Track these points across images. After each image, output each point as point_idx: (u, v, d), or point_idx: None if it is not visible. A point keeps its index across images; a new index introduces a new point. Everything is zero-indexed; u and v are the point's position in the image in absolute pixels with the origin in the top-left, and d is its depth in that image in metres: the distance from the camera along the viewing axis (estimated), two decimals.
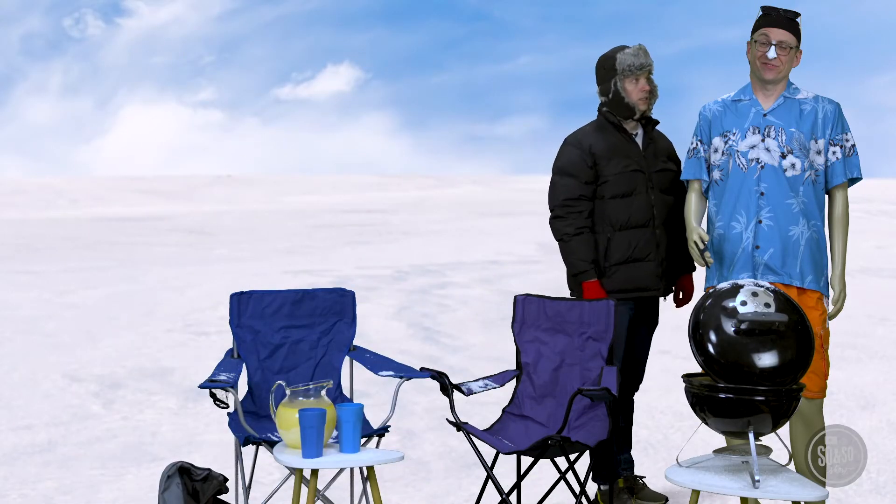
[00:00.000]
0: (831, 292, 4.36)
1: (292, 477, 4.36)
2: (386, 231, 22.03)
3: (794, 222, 4.26)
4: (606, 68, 4.74)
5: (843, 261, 4.33)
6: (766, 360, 3.51)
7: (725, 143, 4.35)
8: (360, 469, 4.38)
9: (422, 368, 4.37)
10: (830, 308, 4.36)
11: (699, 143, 4.46)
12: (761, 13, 4.33)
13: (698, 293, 4.67)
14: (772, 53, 4.25)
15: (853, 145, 4.37)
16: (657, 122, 4.87)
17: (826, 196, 4.40)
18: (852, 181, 4.39)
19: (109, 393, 7.37)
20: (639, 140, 4.81)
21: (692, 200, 4.49)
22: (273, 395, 3.94)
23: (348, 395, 4.67)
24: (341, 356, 4.64)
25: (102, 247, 18.57)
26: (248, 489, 4.23)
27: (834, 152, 4.32)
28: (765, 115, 4.33)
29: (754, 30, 4.34)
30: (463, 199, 32.88)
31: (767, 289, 3.61)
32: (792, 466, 3.75)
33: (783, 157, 4.26)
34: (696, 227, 4.40)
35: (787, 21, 4.28)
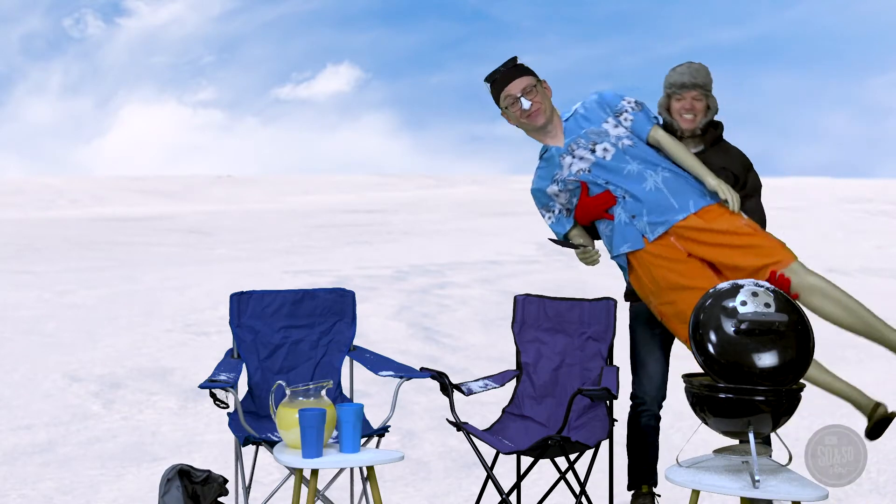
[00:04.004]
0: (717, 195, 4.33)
1: (292, 477, 4.36)
2: (386, 231, 22.04)
3: (641, 179, 4.26)
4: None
5: (701, 167, 4.32)
6: (766, 360, 3.51)
7: (559, 184, 4.37)
8: (360, 469, 4.38)
9: (422, 368, 4.37)
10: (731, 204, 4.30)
11: (548, 212, 4.47)
12: (490, 85, 4.37)
13: None
14: (526, 104, 4.29)
15: (636, 101, 4.41)
16: (719, 140, 4.64)
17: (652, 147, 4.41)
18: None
19: (109, 393, 7.37)
20: None
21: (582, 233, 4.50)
22: (273, 395, 3.94)
23: (348, 395, 4.67)
24: (341, 356, 4.64)
25: (102, 247, 18.57)
26: (248, 489, 4.23)
27: (625, 118, 4.38)
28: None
29: (498, 101, 4.36)
30: (463, 199, 32.89)
31: (767, 289, 3.62)
32: (792, 466, 3.75)
33: (593, 151, 4.29)
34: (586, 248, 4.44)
35: (514, 70, 4.33)
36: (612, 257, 4.35)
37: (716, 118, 4.63)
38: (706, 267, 4.20)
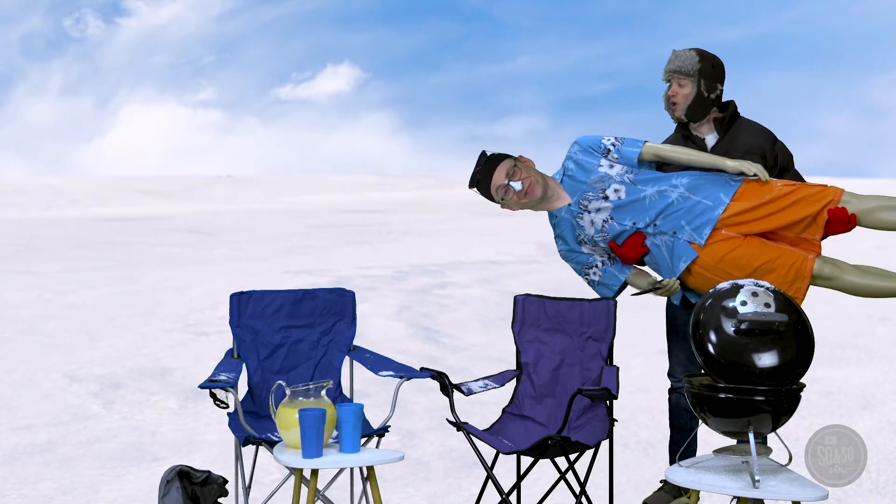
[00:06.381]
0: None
1: (292, 477, 4.36)
2: (386, 231, 22.05)
3: (664, 197, 4.22)
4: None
5: (713, 157, 4.28)
6: (766, 360, 3.52)
7: (589, 243, 4.35)
8: (360, 469, 4.38)
9: (422, 368, 4.37)
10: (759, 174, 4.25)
11: (590, 268, 4.44)
12: (476, 189, 4.34)
13: None
14: (517, 186, 4.26)
15: (615, 137, 4.36)
16: (735, 119, 4.59)
17: (649, 167, 4.40)
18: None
19: (109, 393, 7.37)
20: (709, 144, 4.58)
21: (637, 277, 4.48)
22: (273, 395, 3.94)
23: (348, 395, 4.67)
24: (341, 356, 4.64)
25: (102, 247, 18.57)
26: (248, 489, 4.23)
27: (613, 155, 4.33)
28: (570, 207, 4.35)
29: (491, 198, 4.34)
30: (463, 199, 32.88)
31: (767, 289, 3.62)
32: (792, 466, 3.75)
33: (606, 198, 4.28)
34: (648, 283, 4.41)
35: (489, 163, 4.29)
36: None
37: (726, 99, 4.57)
38: (765, 240, 4.22)
